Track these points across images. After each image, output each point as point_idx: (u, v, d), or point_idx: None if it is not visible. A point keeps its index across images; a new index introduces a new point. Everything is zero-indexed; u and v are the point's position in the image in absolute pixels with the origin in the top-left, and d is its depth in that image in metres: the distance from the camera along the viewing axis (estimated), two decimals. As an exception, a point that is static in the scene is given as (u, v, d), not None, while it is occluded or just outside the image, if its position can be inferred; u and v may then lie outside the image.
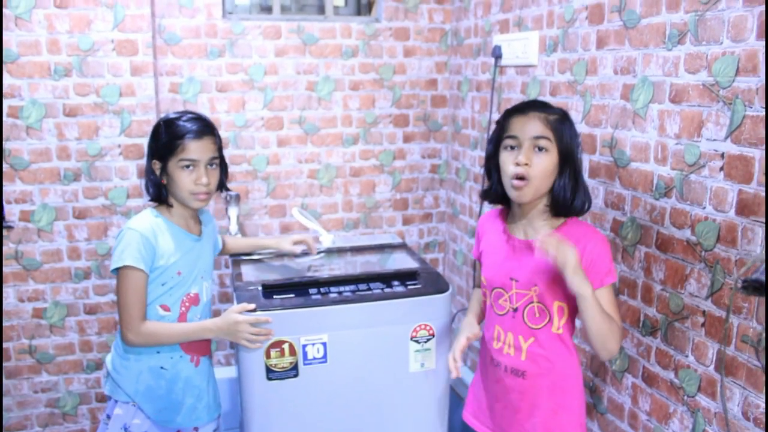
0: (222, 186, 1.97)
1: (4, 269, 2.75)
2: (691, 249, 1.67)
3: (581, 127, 2.10)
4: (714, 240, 1.59)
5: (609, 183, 1.99)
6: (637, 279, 1.89)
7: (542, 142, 1.59)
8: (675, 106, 1.70)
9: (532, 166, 1.59)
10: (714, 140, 1.57)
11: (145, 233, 1.81)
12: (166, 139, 1.82)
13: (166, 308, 1.87)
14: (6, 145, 2.66)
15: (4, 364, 2.83)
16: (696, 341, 1.67)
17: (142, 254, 1.79)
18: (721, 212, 1.56)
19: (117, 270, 1.80)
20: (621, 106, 1.92)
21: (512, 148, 1.63)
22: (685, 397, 1.72)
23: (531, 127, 1.60)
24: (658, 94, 1.76)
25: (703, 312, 1.64)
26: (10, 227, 2.72)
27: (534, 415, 1.71)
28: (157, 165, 1.86)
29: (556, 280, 1.60)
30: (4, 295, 2.77)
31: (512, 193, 1.64)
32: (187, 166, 1.82)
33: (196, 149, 1.82)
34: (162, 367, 1.88)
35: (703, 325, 1.64)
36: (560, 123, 1.61)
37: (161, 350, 1.88)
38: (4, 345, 2.81)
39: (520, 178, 1.60)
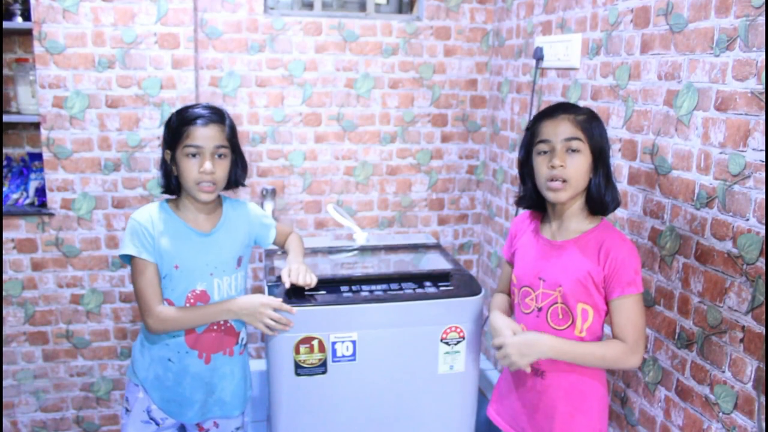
0: (236, 182, 1.91)
1: (45, 254, 2.81)
2: (732, 261, 1.62)
3: (622, 133, 2.06)
4: (757, 253, 1.54)
5: (649, 190, 1.95)
6: (674, 290, 1.85)
7: (574, 144, 1.61)
8: (720, 114, 1.65)
9: (567, 167, 1.61)
10: (761, 150, 1.52)
11: (143, 222, 1.81)
12: (174, 127, 1.80)
13: (170, 303, 1.85)
14: (50, 134, 2.72)
15: (43, 347, 2.89)
16: (734, 357, 1.62)
17: (142, 242, 1.80)
18: (766, 225, 1.51)
19: (127, 260, 1.84)
20: (664, 112, 1.87)
21: (545, 152, 1.65)
22: (721, 414, 1.67)
23: (562, 129, 1.62)
24: (703, 101, 1.71)
25: (743, 327, 1.59)
26: (51, 214, 2.78)
27: (551, 416, 1.72)
28: (168, 155, 1.83)
29: (582, 282, 1.63)
30: (44, 280, 2.83)
31: (549, 195, 1.66)
32: (193, 155, 1.77)
33: (202, 136, 1.77)
34: (169, 359, 1.88)
35: (742, 340, 1.59)
36: (589, 123, 1.63)
37: (169, 343, 1.87)
38: (43, 329, 2.87)
39: (557, 179, 1.62)
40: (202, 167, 1.77)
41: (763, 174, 1.52)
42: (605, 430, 1.75)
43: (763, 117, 1.52)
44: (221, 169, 1.81)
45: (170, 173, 1.84)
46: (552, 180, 1.62)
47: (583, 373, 1.69)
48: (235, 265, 1.93)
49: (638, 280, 1.60)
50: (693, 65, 1.75)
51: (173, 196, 1.89)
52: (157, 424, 1.92)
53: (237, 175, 1.91)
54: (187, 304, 1.85)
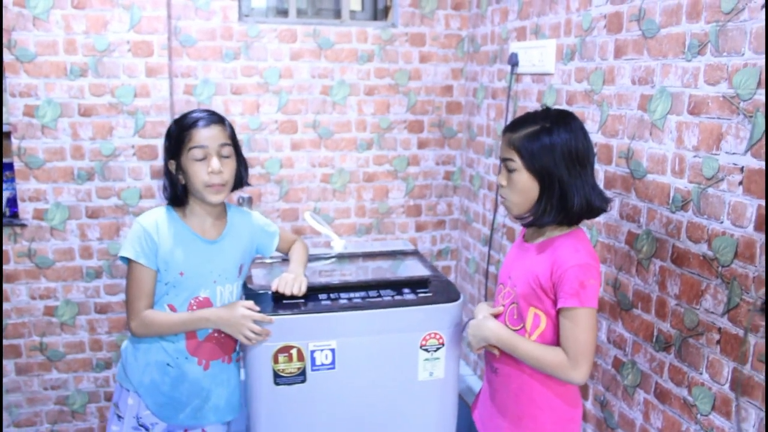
0: (241, 182, 1.93)
1: (17, 266, 2.76)
2: (708, 264, 1.64)
3: (597, 137, 2.07)
4: (731, 256, 1.56)
5: (625, 194, 1.96)
6: (651, 293, 1.86)
7: (508, 164, 1.63)
8: (694, 117, 1.67)
9: (507, 185, 1.64)
10: (733, 153, 1.54)
11: (148, 228, 1.81)
12: (176, 134, 1.80)
13: (173, 308, 1.85)
14: (21, 143, 2.67)
15: (15, 360, 2.83)
16: (711, 358, 1.64)
17: (143, 248, 1.79)
18: (740, 227, 1.53)
19: (126, 262, 1.83)
20: (638, 116, 1.89)
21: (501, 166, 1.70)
22: (699, 416, 1.69)
23: (501, 148, 1.67)
24: (677, 106, 1.73)
25: (719, 329, 1.60)
26: (23, 225, 2.73)
27: (503, 415, 1.74)
28: (172, 164, 1.83)
29: (532, 285, 1.61)
30: (17, 292, 2.78)
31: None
32: (199, 159, 1.78)
33: (205, 136, 1.78)
34: (168, 364, 1.87)
35: (718, 342, 1.61)
36: (529, 139, 1.57)
37: (167, 348, 1.86)
38: (16, 341, 2.82)
39: (503, 197, 1.69)
40: (210, 167, 1.78)
41: (737, 177, 1.53)
42: None
43: (735, 120, 1.53)
44: (228, 168, 1.83)
45: (176, 183, 1.84)
46: (501, 196, 1.70)
47: (531, 379, 1.66)
48: (237, 273, 1.94)
49: (583, 294, 1.52)
50: (666, 70, 1.77)
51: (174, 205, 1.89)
52: (147, 429, 1.91)
53: (242, 175, 1.92)
54: (189, 311, 1.86)
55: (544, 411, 1.67)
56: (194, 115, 1.82)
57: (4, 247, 2.73)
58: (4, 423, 2.88)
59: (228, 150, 1.83)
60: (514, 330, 1.67)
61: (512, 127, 1.64)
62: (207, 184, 1.79)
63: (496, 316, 1.74)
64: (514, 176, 1.62)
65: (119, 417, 1.92)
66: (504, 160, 1.63)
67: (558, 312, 1.57)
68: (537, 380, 1.66)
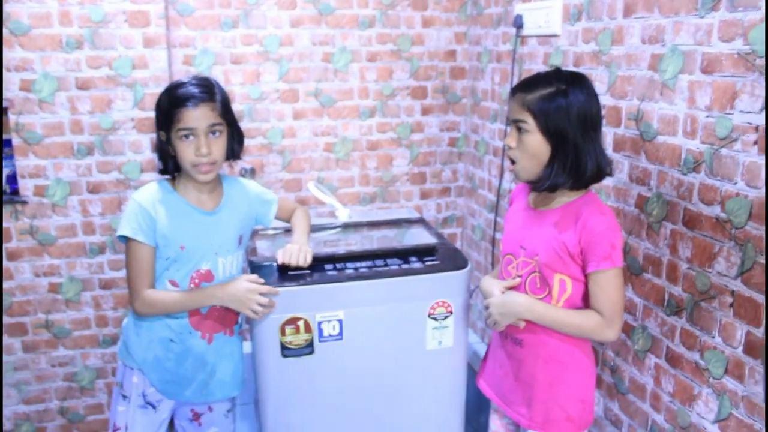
0: (234, 155, 1.87)
1: (20, 244, 2.74)
2: (721, 226, 1.60)
3: (605, 99, 2.02)
4: (746, 217, 1.52)
5: (634, 157, 1.92)
6: (662, 257, 1.83)
7: (520, 125, 1.60)
8: (706, 76, 1.62)
9: (516, 147, 1.62)
10: (748, 112, 1.50)
11: (144, 204, 1.77)
12: (166, 109, 1.75)
13: (174, 283, 1.83)
14: (19, 119, 2.64)
15: (22, 338, 2.83)
16: (724, 322, 1.61)
17: (140, 225, 1.76)
18: (754, 188, 1.49)
19: (124, 241, 1.80)
20: (648, 77, 1.84)
21: (510, 127, 1.67)
22: (711, 380, 1.67)
23: (511, 109, 1.64)
24: (689, 65, 1.68)
25: (732, 292, 1.58)
26: (24, 202, 2.71)
27: (530, 385, 1.73)
28: (163, 136, 1.79)
29: (558, 252, 1.62)
30: (20, 269, 2.77)
31: (513, 174, 1.70)
32: (186, 136, 1.73)
33: (193, 117, 1.72)
34: (171, 340, 1.85)
35: (731, 305, 1.58)
36: (544, 101, 1.56)
37: (171, 324, 1.84)
38: (21, 319, 2.81)
39: (511, 160, 1.65)
40: (198, 150, 1.73)
41: (752, 137, 1.49)
42: (589, 399, 1.75)
43: (750, 78, 1.49)
44: (217, 147, 1.78)
45: (167, 153, 1.80)
46: (509, 159, 1.66)
47: (561, 343, 1.69)
48: (237, 244, 1.91)
49: (615, 255, 1.57)
50: (677, 28, 1.71)
51: (169, 177, 1.85)
52: (154, 407, 1.90)
53: (234, 149, 1.87)
54: (191, 285, 1.83)
55: (573, 373, 1.71)
56: (185, 90, 1.74)
57: (5, 225, 2.71)
58: (14, 400, 2.88)
59: (219, 128, 1.78)
60: (540, 299, 1.67)
61: (524, 88, 1.60)
62: (194, 164, 1.75)
63: (511, 288, 1.72)
64: (525, 138, 1.59)
65: (124, 396, 1.91)
66: (515, 121, 1.60)
67: (587, 275, 1.60)
68: (568, 342, 1.68)
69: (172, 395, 1.90)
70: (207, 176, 1.79)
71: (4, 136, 2.75)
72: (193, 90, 1.74)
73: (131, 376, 1.89)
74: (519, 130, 1.60)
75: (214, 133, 1.76)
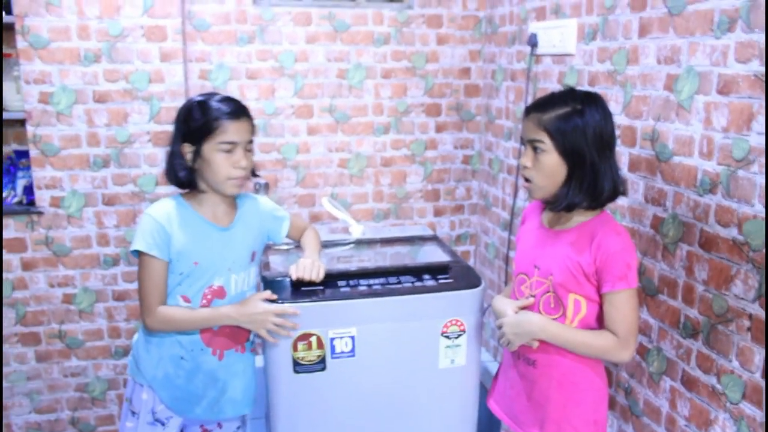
0: (254, 172, 1.89)
1: (35, 254, 2.76)
2: (738, 249, 1.59)
3: (621, 119, 2.02)
4: (763, 240, 1.51)
5: (650, 177, 1.91)
6: (677, 278, 1.82)
7: (537, 144, 1.59)
8: (723, 97, 1.61)
9: (532, 167, 1.61)
10: (765, 134, 1.49)
11: (159, 219, 1.76)
12: (202, 121, 1.72)
13: (186, 299, 1.81)
14: (37, 131, 2.66)
15: (35, 348, 2.84)
16: (741, 346, 1.59)
17: (155, 240, 1.75)
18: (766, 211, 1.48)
19: (137, 255, 1.79)
20: (664, 97, 1.84)
21: (524, 147, 1.66)
22: (728, 404, 1.65)
23: (527, 129, 1.63)
24: (705, 85, 1.67)
25: (750, 315, 1.56)
26: (40, 213, 2.73)
27: (543, 405, 1.72)
28: (188, 148, 1.76)
29: (572, 272, 1.61)
30: (35, 279, 2.79)
31: (527, 192, 1.69)
32: (227, 150, 1.73)
33: (236, 131, 1.73)
34: (182, 357, 1.84)
35: (749, 329, 1.56)
36: (561, 121, 1.56)
37: (182, 341, 1.83)
38: (35, 329, 2.83)
39: (525, 179, 1.65)
40: (238, 163, 1.74)
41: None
42: (602, 420, 1.73)
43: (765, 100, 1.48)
44: (250, 161, 1.80)
45: (186, 167, 1.78)
46: (524, 178, 1.66)
47: (575, 363, 1.68)
48: (249, 260, 1.90)
49: (630, 276, 1.57)
50: (693, 48, 1.71)
51: (184, 191, 1.84)
52: (162, 424, 1.89)
53: (254, 165, 1.88)
54: (203, 300, 1.82)
55: (586, 393, 1.70)
56: (222, 105, 1.74)
57: (21, 235, 2.73)
58: (26, 409, 2.90)
59: (251, 144, 1.81)
60: (554, 319, 1.66)
61: (540, 108, 1.60)
62: (231, 177, 1.76)
63: (525, 308, 1.72)
64: (541, 158, 1.59)
65: (133, 413, 1.90)
66: (531, 141, 1.60)
67: (602, 295, 1.60)
68: (581, 363, 1.67)
69: (182, 412, 1.89)
70: (239, 190, 1.81)
71: (22, 147, 2.78)
72: (232, 104, 1.76)
73: (141, 393, 1.88)
74: (535, 149, 1.60)
75: (248, 149, 1.79)
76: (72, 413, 2.96)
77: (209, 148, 1.73)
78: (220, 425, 1.97)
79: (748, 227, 1.55)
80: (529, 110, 1.63)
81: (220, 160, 1.74)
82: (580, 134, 1.55)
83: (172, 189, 1.85)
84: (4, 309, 2.77)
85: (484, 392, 2.05)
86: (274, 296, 1.84)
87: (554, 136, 1.56)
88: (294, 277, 1.88)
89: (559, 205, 1.61)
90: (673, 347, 1.85)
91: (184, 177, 1.79)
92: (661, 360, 1.90)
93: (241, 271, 1.87)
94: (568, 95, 1.62)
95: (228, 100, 1.78)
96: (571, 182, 1.58)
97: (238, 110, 1.76)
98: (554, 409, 1.70)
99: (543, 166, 1.59)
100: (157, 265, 1.76)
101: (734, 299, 1.61)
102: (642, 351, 1.98)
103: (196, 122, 1.74)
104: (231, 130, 1.73)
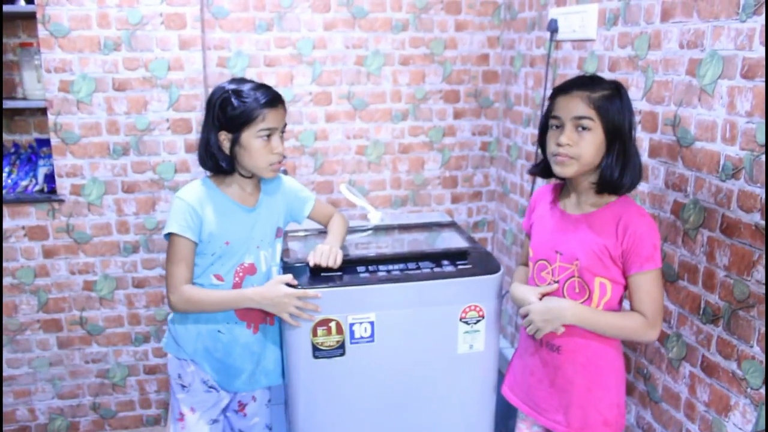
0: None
1: (56, 242, 2.79)
2: (760, 234, 1.58)
3: (642, 104, 2.00)
4: (786, 225, 1.50)
5: (671, 163, 1.90)
6: (698, 264, 1.80)
7: (585, 122, 1.59)
8: (747, 81, 1.60)
9: (574, 145, 1.60)
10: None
11: (191, 203, 1.81)
12: (241, 110, 1.77)
13: (219, 278, 1.87)
14: (57, 119, 2.68)
15: (57, 334, 2.88)
16: (762, 331, 1.58)
17: (188, 222, 1.80)
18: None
19: (168, 236, 1.83)
20: (686, 82, 1.82)
21: (557, 127, 1.64)
22: (749, 389, 1.64)
23: (573, 107, 1.60)
24: (729, 69, 1.65)
25: (772, 301, 1.55)
26: (61, 201, 2.75)
27: (568, 391, 1.73)
28: (224, 136, 1.81)
29: (599, 256, 1.63)
30: (56, 267, 2.81)
31: (555, 169, 1.66)
32: (266, 136, 1.80)
33: (274, 118, 1.80)
34: (219, 331, 1.91)
35: (771, 314, 1.55)
36: (606, 100, 1.59)
37: (217, 315, 1.89)
38: (57, 316, 2.86)
39: (562, 155, 1.62)
40: (277, 149, 1.82)
41: (794, 143, 1.47)
42: (623, 403, 1.76)
43: (793, 83, 1.46)
44: (284, 146, 1.87)
45: (222, 154, 1.82)
46: (557, 155, 1.63)
47: (599, 347, 1.69)
48: (275, 236, 1.98)
49: (657, 256, 1.60)
50: (717, 32, 1.69)
51: (211, 174, 1.91)
52: (217, 390, 1.97)
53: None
54: (236, 278, 1.88)
55: (609, 377, 1.72)
56: (260, 93, 1.79)
57: (43, 223, 2.76)
58: (48, 395, 2.93)
59: (285, 127, 1.87)
60: (580, 303, 1.68)
61: (585, 87, 1.61)
62: (270, 162, 1.83)
63: (548, 294, 1.72)
64: (587, 135, 1.59)
65: (183, 386, 1.95)
66: (579, 118, 1.59)
67: (629, 276, 1.62)
68: (606, 346, 1.70)
69: (223, 385, 1.96)
70: (275, 174, 1.89)
71: (43, 136, 2.80)
72: (271, 92, 1.81)
73: (186, 367, 1.94)
74: (581, 127, 1.59)
75: (283, 132, 1.86)
76: (93, 399, 2.99)
77: (248, 135, 1.79)
78: (254, 398, 2.04)
79: (771, 212, 1.54)
80: (569, 89, 1.62)
81: (259, 147, 1.80)
82: (622, 115, 1.60)
83: (191, 176, 1.87)
84: (28, 296, 2.81)
85: (502, 378, 2.05)
86: (295, 282, 1.86)
87: (602, 114, 1.58)
88: (311, 264, 1.90)
89: (604, 182, 1.62)
90: (693, 333, 1.84)
91: (226, 165, 1.83)
92: (680, 346, 1.89)
93: (269, 247, 1.95)
94: (600, 80, 1.65)
95: (263, 87, 1.82)
96: (612, 159, 1.60)
97: (275, 98, 1.82)
98: (579, 394, 1.71)
99: (588, 143, 1.59)
100: (189, 246, 1.82)
101: (756, 285, 1.59)
102: (662, 337, 1.98)
103: (235, 111, 1.78)
104: (269, 118, 1.79)
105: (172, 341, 1.95)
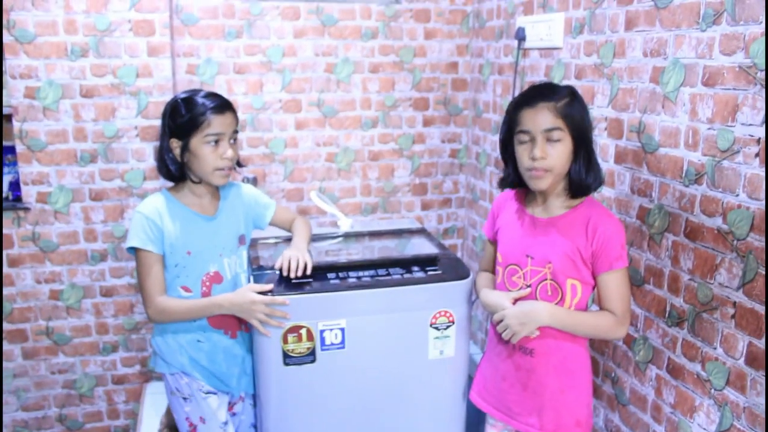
0: (238, 162, 1.97)
1: (21, 250, 2.75)
2: (722, 238, 1.61)
3: (607, 111, 2.04)
4: (747, 229, 1.53)
5: (636, 169, 1.94)
6: (663, 268, 1.84)
7: (555, 134, 1.61)
8: (708, 89, 1.64)
9: (548, 157, 1.61)
10: (749, 125, 1.51)
11: (150, 215, 1.83)
12: (188, 116, 1.80)
13: (186, 289, 1.89)
14: (23, 126, 2.64)
15: (22, 345, 2.83)
16: (725, 333, 1.62)
17: (149, 235, 1.82)
18: (756, 200, 1.51)
19: (132, 251, 1.86)
20: (650, 89, 1.86)
21: (527, 141, 1.65)
22: (713, 391, 1.67)
23: (541, 120, 1.61)
24: (690, 77, 1.69)
25: (734, 303, 1.58)
26: (27, 209, 2.71)
27: (540, 393, 1.75)
28: (176, 143, 1.84)
29: (571, 258, 1.66)
30: (21, 276, 2.77)
31: (531, 183, 1.68)
32: (213, 142, 1.81)
33: (221, 123, 1.82)
34: (198, 340, 1.93)
35: (733, 316, 1.59)
36: (569, 107, 1.61)
37: (192, 325, 1.91)
38: (22, 326, 2.81)
39: (538, 170, 1.64)
40: (225, 154, 1.83)
41: (753, 149, 1.50)
42: (591, 403, 1.81)
43: (752, 91, 1.50)
44: (235, 153, 1.88)
45: (175, 161, 1.85)
46: (533, 170, 1.64)
47: (571, 348, 1.73)
48: (237, 244, 1.99)
49: (625, 255, 1.66)
50: (679, 41, 1.73)
51: (172, 184, 1.92)
52: (215, 393, 1.97)
53: (239, 157, 1.96)
54: (203, 288, 1.90)
55: (580, 378, 1.75)
56: (206, 100, 1.82)
57: (7, 232, 2.71)
58: (12, 407, 2.88)
59: (236, 135, 1.88)
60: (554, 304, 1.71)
61: (547, 98, 1.61)
62: (218, 168, 1.84)
63: (521, 298, 1.74)
64: (557, 146, 1.61)
65: (185, 398, 1.96)
66: (549, 130, 1.60)
67: (598, 276, 1.66)
68: (578, 345, 1.73)
69: (220, 389, 1.98)
70: (226, 180, 1.88)
71: (8, 143, 2.76)
72: (216, 99, 1.84)
73: (180, 380, 1.95)
74: (552, 139, 1.61)
75: (233, 139, 1.87)
76: (59, 410, 2.94)
77: (196, 141, 1.81)
78: (242, 398, 2.07)
79: (732, 216, 1.58)
80: (533, 101, 1.62)
81: (207, 153, 1.82)
82: (583, 120, 1.64)
83: (160, 184, 1.87)
84: (-9, 305, 2.76)
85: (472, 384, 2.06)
86: (266, 287, 1.86)
87: (569, 123, 1.60)
88: (277, 268, 1.92)
89: (575, 187, 1.66)
90: (659, 336, 1.87)
91: (175, 171, 1.86)
92: (647, 349, 1.93)
93: (231, 254, 1.96)
94: (556, 87, 1.67)
95: (211, 95, 1.85)
96: (579, 164, 1.64)
97: (222, 104, 1.84)
98: (552, 396, 1.73)
99: (560, 154, 1.61)
100: (154, 258, 1.84)
101: (719, 288, 1.63)
102: (629, 340, 2.01)
103: (183, 118, 1.82)
104: (216, 124, 1.81)
105: (159, 360, 1.96)
